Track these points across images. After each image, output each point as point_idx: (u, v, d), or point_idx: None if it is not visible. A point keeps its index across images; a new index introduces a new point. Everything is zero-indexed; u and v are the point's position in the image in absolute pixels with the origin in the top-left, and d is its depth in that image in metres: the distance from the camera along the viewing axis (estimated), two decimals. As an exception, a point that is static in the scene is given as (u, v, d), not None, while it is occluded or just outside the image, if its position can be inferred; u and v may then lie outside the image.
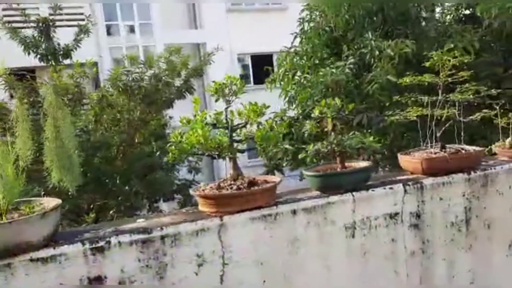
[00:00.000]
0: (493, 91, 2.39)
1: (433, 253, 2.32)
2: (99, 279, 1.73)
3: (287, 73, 5.88)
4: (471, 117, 2.35)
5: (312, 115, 2.18)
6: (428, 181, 2.30)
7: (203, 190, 2.01)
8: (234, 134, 2.03)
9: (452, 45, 4.78)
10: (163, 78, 5.41)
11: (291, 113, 5.86)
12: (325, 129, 2.19)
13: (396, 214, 2.24)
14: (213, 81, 2.03)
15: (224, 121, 2.00)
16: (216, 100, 1.96)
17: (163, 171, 5.99)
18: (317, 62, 5.77)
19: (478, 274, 2.42)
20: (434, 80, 2.31)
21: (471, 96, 2.31)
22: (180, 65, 5.61)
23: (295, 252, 2.04)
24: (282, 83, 5.95)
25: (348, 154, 2.27)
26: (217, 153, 1.89)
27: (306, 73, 5.64)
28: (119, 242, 1.77)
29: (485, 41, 5.41)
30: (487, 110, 2.59)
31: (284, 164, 5.75)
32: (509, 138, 2.66)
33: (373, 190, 2.19)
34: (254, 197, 1.95)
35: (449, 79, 2.32)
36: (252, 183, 2.00)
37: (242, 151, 2.03)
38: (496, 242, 2.47)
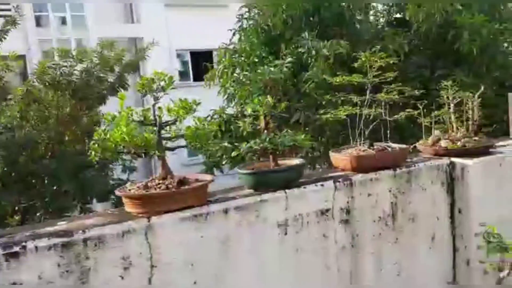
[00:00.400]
0: (416, 92, 2.51)
1: (362, 247, 2.40)
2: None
3: (226, 70, 5.86)
4: (395, 116, 2.46)
5: (246, 113, 2.16)
6: (357, 177, 2.37)
7: (129, 190, 1.93)
8: (163, 132, 1.96)
9: (382, 47, 5.06)
10: (95, 73, 5.16)
11: (231, 110, 5.84)
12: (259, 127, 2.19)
13: (328, 210, 2.29)
14: (141, 77, 1.95)
15: (152, 118, 1.93)
16: (143, 96, 1.88)
17: (96, 171, 5.73)
18: (256, 60, 5.81)
19: (404, 266, 2.54)
20: (362, 81, 2.38)
21: (396, 96, 2.42)
22: (114, 59, 5.39)
23: (227, 251, 2.01)
24: (221, 80, 5.91)
25: (286, 152, 2.29)
26: (143, 151, 1.82)
27: (245, 71, 5.65)
28: (35, 246, 1.65)
29: (414, 44, 5.70)
30: (413, 109, 2.72)
31: (223, 162, 5.72)
32: (431, 136, 2.81)
33: (305, 187, 2.22)
34: (184, 196, 1.90)
35: (377, 80, 2.41)
36: (182, 182, 1.95)
37: (171, 149, 1.97)
38: (420, 235, 2.60)
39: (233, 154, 2.23)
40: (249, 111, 2.13)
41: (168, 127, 1.99)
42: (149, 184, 1.94)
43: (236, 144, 5.22)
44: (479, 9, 5.50)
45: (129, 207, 1.91)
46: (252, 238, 2.07)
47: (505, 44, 5.88)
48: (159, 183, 1.93)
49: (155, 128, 1.93)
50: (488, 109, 5.56)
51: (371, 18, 6.38)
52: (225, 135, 5.26)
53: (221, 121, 5.17)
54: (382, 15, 6.34)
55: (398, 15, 6.20)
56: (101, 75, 5.23)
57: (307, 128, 5.28)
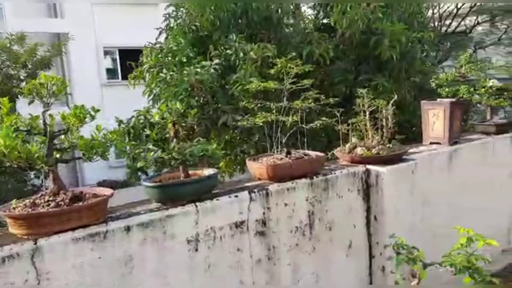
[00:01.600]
0: (331, 100, 2.47)
1: (279, 259, 2.31)
2: None
3: (151, 69, 5.58)
4: (311, 124, 2.40)
5: (152, 120, 1.98)
6: (273, 187, 2.28)
7: (13, 209, 1.68)
8: (56, 142, 1.73)
9: (309, 51, 5.08)
10: (4, 69, 4.66)
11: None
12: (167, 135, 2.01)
13: (242, 222, 2.17)
14: (31, 79, 1.70)
15: (42, 126, 1.69)
16: (30, 103, 1.64)
17: (9, 175, 5.21)
18: (184, 60, 5.60)
19: (322, 275, 2.49)
20: (279, 87, 2.30)
21: (312, 104, 2.36)
22: (26, 55, 4.91)
23: (129, 273, 1.82)
24: (147, 80, 5.63)
25: (204, 160, 2.14)
26: (27, 165, 1.58)
27: (172, 71, 5.42)
28: None
29: (340, 49, 5.79)
30: (332, 116, 2.69)
31: (148, 166, 5.43)
32: (348, 144, 2.80)
33: (218, 199, 2.09)
34: (78, 214, 1.68)
35: (293, 86, 2.34)
36: (77, 197, 1.73)
37: (65, 161, 1.74)
38: (337, 243, 2.57)
39: (139, 165, 2.03)
40: (156, 118, 1.95)
41: (65, 135, 1.77)
42: (37, 201, 1.70)
43: (162, 146, 5.01)
44: (399, 18, 5.71)
45: (13, 228, 1.66)
46: (159, 257, 1.90)
47: (422, 52, 6.18)
48: (49, 200, 1.70)
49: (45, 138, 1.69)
50: (408, 113, 5.82)
51: (300, 22, 6.42)
52: (150, 137, 5.00)
53: (120, 130, 4.92)
54: (309, 20, 6.38)
55: (325, 21, 6.27)
56: (11, 72, 4.73)
57: (235, 131, 5.18)
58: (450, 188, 3.08)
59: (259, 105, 2.40)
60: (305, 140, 2.50)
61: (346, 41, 5.65)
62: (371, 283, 2.68)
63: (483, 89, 3.15)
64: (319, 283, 2.48)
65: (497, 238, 3.31)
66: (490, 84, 3.13)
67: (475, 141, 3.30)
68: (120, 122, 4.39)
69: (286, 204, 2.33)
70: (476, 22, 12.05)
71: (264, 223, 2.25)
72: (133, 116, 4.96)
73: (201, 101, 5.11)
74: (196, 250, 2.01)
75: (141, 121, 4.87)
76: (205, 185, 2.07)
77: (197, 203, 2.01)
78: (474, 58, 6.01)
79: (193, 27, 5.43)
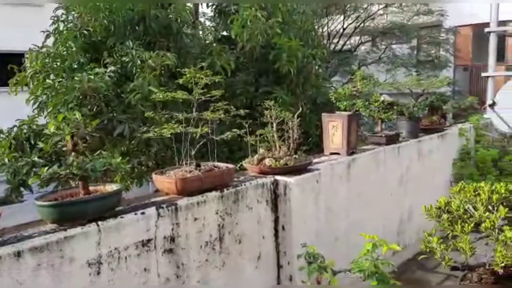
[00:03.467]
0: (241, 111, 2.48)
1: (188, 277, 2.22)
2: None
3: (37, 75, 5.07)
4: (221, 136, 2.38)
5: (46, 131, 1.77)
6: (183, 202, 2.19)
7: None
8: None
9: (211, 62, 5.08)
10: None
11: (43, 120, 5.06)
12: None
13: (149, 240, 2.04)
14: None
15: None
16: None
17: None
18: (75, 66, 5.20)
19: (231, 290, 2.45)
20: (188, 97, 2.23)
21: (222, 115, 2.34)
22: None
23: (18, 306, 1.59)
24: (30, 86, 5.09)
25: (107, 174, 1.97)
26: None
27: (61, 77, 5.00)
28: None
29: (241, 61, 5.90)
30: (240, 127, 2.70)
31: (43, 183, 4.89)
32: (257, 155, 2.83)
33: (122, 217, 1.94)
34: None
35: (203, 97, 2.29)
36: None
37: None
38: (246, 256, 2.56)
39: (30, 181, 1.79)
40: (51, 129, 1.75)
41: None
42: None
43: (50, 159, 4.54)
44: (295, 35, 6.03)
45: None
46: (55, 284, 1.69)
47: (317, 67, 6.60)
48: None
49: None
50: (304, 124, 6.12)
51: (200, 33, 6.41)
52: (35, 149, 4.51)
53: (30, 132, 4.44)
54: (209, 31, 6.41)
55: (225, 33, 6.36)
56: None
57: (132, 142, 4.94)
58: (349, 196, 3.30)
59: (166, 115, 2.31)
60: (215, 152, 2.46)
61: (247, 54, 5.79)
62: (279, 293, 2.72)
63: (376, 103, 3.45)
64: (230, 298, 2.44)
65: (390, 241, 3.62)
66: (382, 99, 3.44)
67: (369, 151, 3.58)
68: (28, 125, 3.92)
69: (196, 219, 2.25)
70: (359, 41, 13.29)
71: (173, 239, 2.14)
72: (15, 126, 4.46)
73: (94, 110, 4.78)
74: (98, 273, 1.83)
75: (25, 131, 4.39)
76: (108, 202, 1.90)
77: (99, 222, 1.85)
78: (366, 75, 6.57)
79: (85, 32, 5.09)
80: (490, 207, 2.21)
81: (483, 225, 2.10)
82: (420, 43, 14.29)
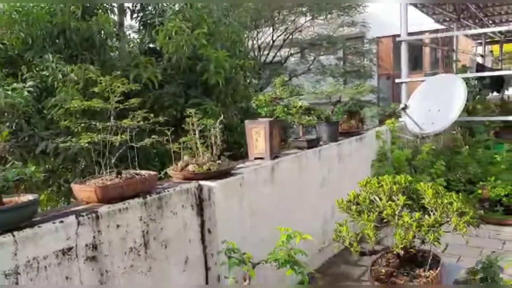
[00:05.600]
0: (160, 119, 2.60)
1: (113, 283, 2.27)
2: None
3: None
4: (141, 142, 2.47)
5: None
6: (104, 209, 2.25)
7: None
8: None
9: (137, 74, 5.12)
10: None
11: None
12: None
13: (70, 249, 2.08)
14: None
15: None
16: None
17: None
18: (-10, 82, 5.01)
19: (159, 294, 2.53)
20: (105, 106, 2.31)
21: (141, 122, 2.44)
22: None
23: None
24: None
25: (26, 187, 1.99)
26: None
27: (-26, 94, 4.79)
28: None
29: (168, 73, 5.99)
30: (163, 135, 2.81)
31: None
32: (180, 162, 2.95)
33: (40, 227, 1.97)
34: None
35: (120, 106, 2.38)
36: None
37: None
38: (173, 260, 2.65)
39: None
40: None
41: None
42: None
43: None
44: (222, 46, 6.23)
45: None
46: (-32, 299, 1.69)
47: (248, 80, 6.85)
48: None
49: None
50: (236, 134, 6.31)
51: (126, 45, 6.42)
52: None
53: None
54: (135, 44, 6.44)
55: (151, 45, 6.42)
56: None
57: (57, 159, 4.83)
58: (274, 198, 3.49)
59: (83, 124, 2.36)
60: (136, 160, 2.54)
61: (174, 65, 5.89)
62: (208, 294, 2.83)
63: (294, 109, 3.70)
64: (158, 303, 2.51)
65: (314, 240, 3.87)
66: (300, 104, 3.70)
67: (292, 155, 3.82)
68: None
69: (118, 226, 2.32)
70: (289, 53, 13.87)
71: (95, 247, 2.19)
72: None
73: (13, 127, 4.64)
74: (17, 283, 1.85)
75: None
76: (24, 212, 1.93)
77: (15, 232, 1.87)
78: (290, 84, 6.90)
79: (1, 46, 4.95)
80: (392, 197, 2.49)
81: (385, 212, 2.37)
82: (346, 54, 15.18)
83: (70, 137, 3.50)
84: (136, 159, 2.49)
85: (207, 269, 2.87)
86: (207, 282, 2.86)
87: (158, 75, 5.34)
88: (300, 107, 3.67)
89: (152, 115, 2.52)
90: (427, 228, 2.26)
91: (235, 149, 6.01)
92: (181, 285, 2.68)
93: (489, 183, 5.36)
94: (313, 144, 4.09)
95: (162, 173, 2.97)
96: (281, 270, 3.38)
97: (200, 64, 5.74)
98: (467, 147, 6.69)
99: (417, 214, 2.32)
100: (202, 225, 2.86)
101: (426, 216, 2.34)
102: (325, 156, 4.23)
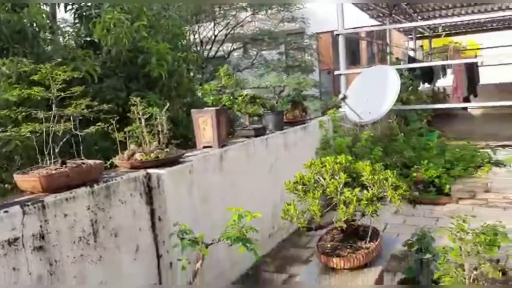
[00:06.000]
0: (105, 106, 2.59)
1: (63, 273, 2.25)
2: None
3: None
4: (86, 130, 2.46)
5: None
6: (50, 198, 2.22)
7: None
8: None
9: (74, 68, 4.98)
10: None
11: None
12: None
13: (16, 239, 2.04)
14: None
15: None
16: None
17: None
18: None
19: (110, 282, 2.53)
20: (46, 94, 2.27)
21: (85, 110, 2.42)
22: None
23: None
24: None
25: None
26: None
27: None
28: None
29: (108, 66, 5.85)
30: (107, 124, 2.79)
31: None
32: (127, 151, 2.95)
33: (-17, 217, 1.92)
34: None
35: (62, 93, 2.35)
36: None
37: None
38: (124, 249, 2.65)
39: None
40: None
41: None
42: None
43: None
44: (163, 39, 6.19)
45: None
46: None
47: (191, 73, 6.85)
48: None
49: None
50: (182, 127, 6.30)
51: (61, 39, 6.19)
52: None
53: None
54: (71, 37, 6.24)
55: (88, 38, 6.24)
56: None
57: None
58: (224, 185, 3.58)
59: (23, 113, 2.31)
60: (81, 150, 2.52)
61: (114, 58, 5.76)
62: (160, 281, 2.86)
63: (240, 98, 3.80)
64: (110, 291, 2.52)
65: (265, 225, 4.02)
66: (245, 93, 3.80)
67: (240, 143, 3.92)
68: None
69: (66, 215, 2.30)
70: (232, 48, 13.96)
71: (42, 237, 2.16)
72: None
73: None
74: (-40, 277, 1.80)
75: None
76: (-35, 203, 1.87)
77: (-43, 224, 1.81)
78: (235, 74, 6.98)
79: None
80: (334, 176, 2.66)
81: (328, 189, 2.53)
82: (287, 49, 15.52)
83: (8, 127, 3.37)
84: (80, 150, 2.47)
85: (158, 256, 2.90)
86: (159, 270, 2.89)
87: (97, 68, 5.21)
88: (246, 95, 3.77)
89: (95, 103, 2.51)
90: (366, 202, 2.44)
91: (182, 142, 6.01)
92: (133, 273, 2.69)
93: (423, 166, 5.77)
94: (259, 132, 4.21)
95: (108, 163, 2.94)
96: (234, 251, 3.48)
97: (141, 57, 5.67)
98: (402, 134, 7.16)
99: (356, 190, 2.50)
100: (152, 213, 2.88)
101: (365, 191, 2.53)
102: (272, 144, 4.37)
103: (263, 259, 4.03)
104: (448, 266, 2.56)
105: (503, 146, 7.91)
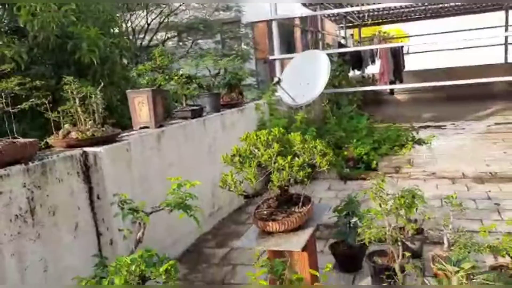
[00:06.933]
0: (37, 83, 2.59)
1: (1, 251, 2.25)
2: None
3: None
4: (19, 106, 2.45)
5: None
6: (-17, 175, 2.21)
7: None
8: None
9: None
10: None
11: None
12: None
13: (-51, 216, 2.02)
14: None
15: None
16: None
17: None
18: None
19: (50, 260, 2.55)
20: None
21: (16, 87, 2.42)
22: None
23: None
24: None
25: None
26: None
27: None
28: None
29: (35, 53, 5.65)
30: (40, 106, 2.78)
31: None
32: (61, 130, 2.95)
33: None
34: None
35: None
36: None
37: None
38: (63, 227, 2.68)
39: None
40: None
41: None
42: None
43: None
44: (94, 24, 6.06)
45: None
46: None
47: (121, 58, 6.74)
48: None
49: None
50: (116, 114, 6.23)
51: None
52: None
53: None
54: (-7, 22, 5.92)
55: (12, 24, 5.97)
56: None
57: None
58: (163, 164, 3.66)
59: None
60: (13, 127, 2.50)
61: (41, 44, 5.58)
62: (101, 257, 2.90)
63: (176, 77, 3.88)
64: (49, 268, 2.54)
65: (205, 204, 4.15)
66: (181, 72, 3.89)
67: (177, 124, 4.00)
68: None
69: (1, 192, 2.29)
70: (166, 37, 13.80)
71: (-23, 214, 2.15)
72: None
73: None
74: None
75: None
76: None
77: None
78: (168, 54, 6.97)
79: None
80: (268, 146, 2.85)
81: (263, 158, 2.72)
82: (223, 38, 15.60)
83: None
84: (13, 129, 2.46)
85: (98, 234, 2.95)
86: (99, 248, 2.94)
87: (24, 54, 5.04)
88: (182, 75, 3.85)
89: (29, 79, 2.50)
90: (298, 168, 2.66)
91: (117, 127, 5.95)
92: (73, 251, 2.73)
93: (353, 144, 6.18)
94: (197, 114, 4.32)
95: (43, 143, 2.92)
96: (176, 229, 3.58)
97: (71, 43, 5.54)
98: (334, 117, 7.57)
99: (289, 157, 2.71)
100: (90, 191, 2.92)
101: (297, 158, 2.74)
102: (210, 126, 4.50)
103: (205, 236, 4.17)
104: (370, 221, 2.86)
105: (425, 127, 8.65)
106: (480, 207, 4.41)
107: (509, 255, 2.81)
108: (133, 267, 1.72)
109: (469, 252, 2.67)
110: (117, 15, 9.38)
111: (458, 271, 2.18)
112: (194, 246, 3.95)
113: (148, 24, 13.01)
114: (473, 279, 2.22)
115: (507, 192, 4.80)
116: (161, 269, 1.77)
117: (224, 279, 3.38)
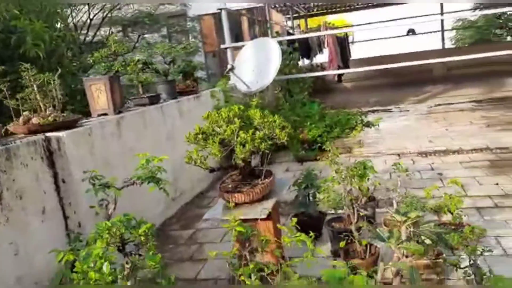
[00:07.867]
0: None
1: (-30, 235, 2.30)
2: None
3: None
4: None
5: None
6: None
7: None
8: None
9: None
10: None
11: None
12: None
13: None
14: None
15: None
16: None
17: None
18: None
19: (20, 243, 2.60)
20: None
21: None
22: None
23: None
24: None
25: None
26: None
27: None
28: None
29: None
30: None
31: None
32: (21, 118, 2.99)
33: None
34: None
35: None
36: None
37: None
38: (31, 211, 2.73)
39: None
40: None
41: None
42: None
43: None
44: (37, 17, 5.96)
45: None
46: None
47: (70, 51, 6.67)
48: None
49: None
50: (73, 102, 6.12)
51: None
52: None
53: None
54: None
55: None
56: None
57: None
58: (123, 150, 3.74)
59: None
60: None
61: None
62: (69, 242, 2.97)
63: (132, 63, 3.96)
64: (20, 252, 2.59)
65: (167, 188, 4.24)
66: (137, 58, 3.97)
67: (135, 111, 4.09)
68: None
69: (-31, 176, 2.33)
70: (110, 32, 13.55)
71: None
72: None
73: None
74: None
75: None
76: None
77: None
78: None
79: None
80: (230, 122, 3.03)
81: (225, 133, 2.90)
82: (170, 32, 15.54)
83: None
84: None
85: (65, 218, 3.01)
86: (67, 230, 3.00)
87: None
88: (138, 61, 3.94)
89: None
90: (259, 140, 2.86)
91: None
92: (41, 235, 2.78)
93: (307, 127, 6.49)
94: (154, 101, 4.42)
95: (2, 130, 2.94)
96: (141, 213, 3.68)
97: (15, 37, 5.42)
98: (287, 104, 7.86)
99: (250, 131, 2.91)
100: (55, 176, 2.98)
101: (258, 132, 2.95)
102: (167, 112, 4.61)
103: (169, 221, 4.29)
104: (327, 188, 3.13)
105: (372, 111, 9.16)
106: (425, 177, 4.82)
107: (449, 211, 3.17)
108: (113, 230, 1.85)
109: (415, 209, 2.99)
110: (62, 8, 9.16)
111: (405, 221, 2.46)
112: (159, 230, 4.06)
113: (91, 19, 12.74)
114: (420, 227, 2.51)
115: (449, 163, 5.27)
116: (140, 231, 1.90)
117: (192, 256, 3.53)
